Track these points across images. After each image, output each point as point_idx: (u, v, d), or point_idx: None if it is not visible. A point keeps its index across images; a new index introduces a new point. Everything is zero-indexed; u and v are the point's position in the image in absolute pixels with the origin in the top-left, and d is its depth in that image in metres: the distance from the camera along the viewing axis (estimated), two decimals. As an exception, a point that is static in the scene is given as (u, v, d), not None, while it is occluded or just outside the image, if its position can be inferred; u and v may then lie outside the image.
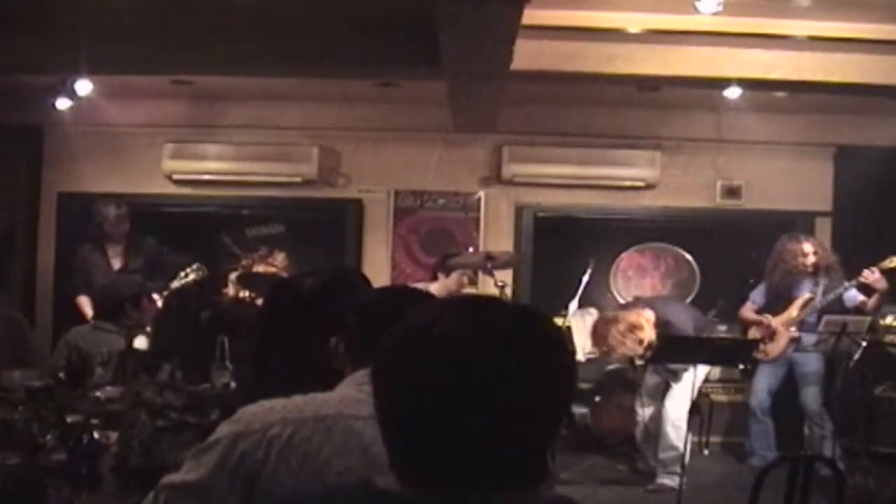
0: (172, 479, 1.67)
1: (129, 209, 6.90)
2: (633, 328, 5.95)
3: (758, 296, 6.72)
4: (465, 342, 1.19)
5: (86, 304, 6.26)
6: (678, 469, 5.72)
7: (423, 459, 1.20)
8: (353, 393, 1.73)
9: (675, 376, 6.11)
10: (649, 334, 5.95)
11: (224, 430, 1.68)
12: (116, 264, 6.78)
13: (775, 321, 6.46)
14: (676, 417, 6.01)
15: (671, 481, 5.86)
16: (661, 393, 6.24)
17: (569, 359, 1.29)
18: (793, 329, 6.41)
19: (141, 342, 4.17)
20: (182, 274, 6.24)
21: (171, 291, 6.12)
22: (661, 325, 5.97)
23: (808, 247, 6.45)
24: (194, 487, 1.63)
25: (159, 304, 5.88)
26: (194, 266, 6.29)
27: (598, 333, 6.06)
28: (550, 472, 1.28)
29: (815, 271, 6.43)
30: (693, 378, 5.88)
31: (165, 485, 1.68)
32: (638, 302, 6.51)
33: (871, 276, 6.06)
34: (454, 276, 6.44)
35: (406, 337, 1.25)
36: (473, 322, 1.22)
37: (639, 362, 6.31)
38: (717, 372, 7.22)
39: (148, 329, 4.54)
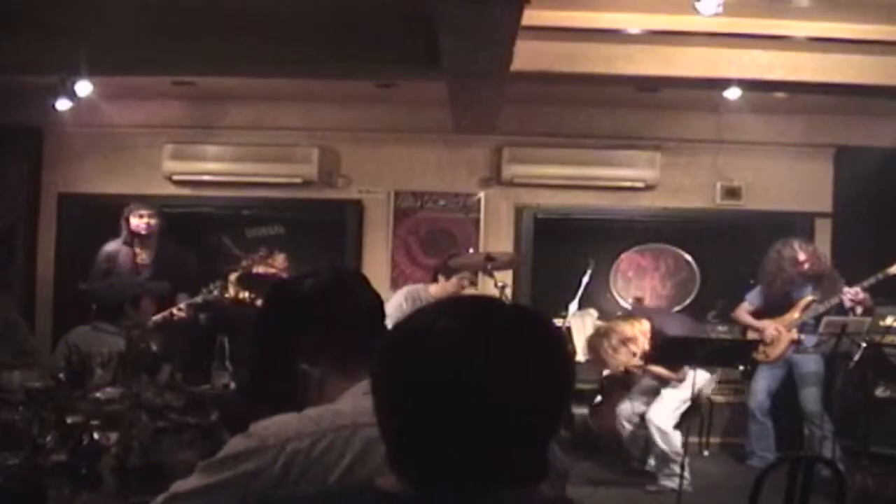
0: (181, 491, 1.66)
1: (157, 211, 6.96)
2: (626, 340, 6.06)
3: (754, 297, 6.72)
4: (465, 342, 1.19)
5: None
6: (676, 469, 5.73)
7: (422, 459, 1.20)
8: (363, 402, 1.72)
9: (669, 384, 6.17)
10: (643, 345, 6.05)
11: (238, 444, 1.66)
12: (143, 266, 6.84)
13: (773, 326, 6.46)
14: (661, 422, 6.02)
15: (671, 483, 5.86)
16: (652, 393, 6.28)
17: (568, 359, 1.29)
18: (793, 331, 6.41)
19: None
20: (205, 290, 6.43)
21: (192, 307, 6.28)
22: (656, 336, 6.05)
23: (802, 255, 6.44)
24: (201, 491, 1.63)
25: (182, 314, 6.09)
26: (217, 283, 6.52)
27: (591, 347, 6.16)
28: (565, 468, 1.28)
29: (811, 277, 6.44)
30: (690, 383, 5.92)
31: (174, 495, 1.66)
32: (635, 312, 6.56)
33: (857, 296, 6.09)
34: (454, 280, 6.46)
35: (406, 337, 1.25)
36: (473, 322, 1.22)
37: (637, 362, 6.29)
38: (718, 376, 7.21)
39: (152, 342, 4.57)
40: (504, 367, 1.18)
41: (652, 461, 6.12)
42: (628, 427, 6.35)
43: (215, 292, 6.42)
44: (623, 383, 6.73)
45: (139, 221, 6.82)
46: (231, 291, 7.19)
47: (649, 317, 6.30)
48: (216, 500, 1.62)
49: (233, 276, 7.20)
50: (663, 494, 5.82)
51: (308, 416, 1.70)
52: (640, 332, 6.08)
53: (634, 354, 6.05)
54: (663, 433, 5.98)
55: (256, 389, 2.34)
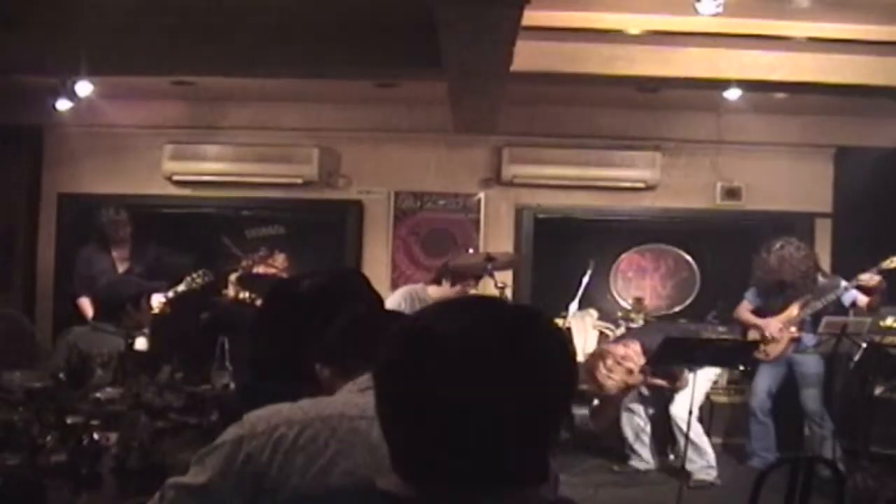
0: (178, 481, 1.68)
1: (129, 213, 6.90)
2: (621, 359, 6.09)
3: (752, 296, 6.72)
4: (468, 342, 1.19)
5: (87, 306, 6.27)
6: (711, 463, 5.96)
7: (424, 459, 1.20)
8: (355, 397, 1.74)
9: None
10: (639, 362, 6.09)
11: (229, 433, 1.70)
12: (121, 267, 6.80)
13: (773, 324, 6.46)
14: (681, 419, 6.08)
15: (708, 476, 6.00)
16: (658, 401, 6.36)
17: (570, 360, 1.29)
18: (793, 329, 6.41)
19: (141, 343, 4.17)
20: (189, 279, 6.30)
21: (177, 295, 6.18)
22: (648, 352, 6.10)
23: (773, 261, 6.41)
24: (199, 490, 1.64)
25: (161, 304, 5.95)
26: (201, 271, 6.35)
27: (587, 370, 6.18)
28: (554, 472, 1.28)
29: (803, 277, 6.42)
30: (702, 378, 5.98)
31: (171, 485, 1.68)
32: (622, 337, 6.72)
33: (871, 280, 6.06)
34: (458, 287, 6.43)
35: (409, 337, 1.25)
36: (476, 323, 1.22)
37: (634, 379, 6.34)
38: (723, 380, 7.21)
39: (146, 330, 4.54)
40: (507, 368, 1.18)
41: (688, 459, 6.13)
42: (635, 420, 6.41)
43: (199, 280, 6.32)
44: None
45: (118, 224, 6.77)
46: (231, 292, 7.18)
47: (636, 337, 6.38)
48: (212, 490, 1.64)
49: (233, 277, 7.19)
50: (663, 493, 5.82)
51: (298, 406, 1.74)
52: (633, 352, 6.12)
53: (631, 372, 6.09)
54: (682, 427, 6.04)
55: (256, 388, 2.35)
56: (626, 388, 6.31)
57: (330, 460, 1.65)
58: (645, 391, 6.43)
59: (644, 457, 6.41)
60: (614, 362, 6.09)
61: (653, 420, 6.47)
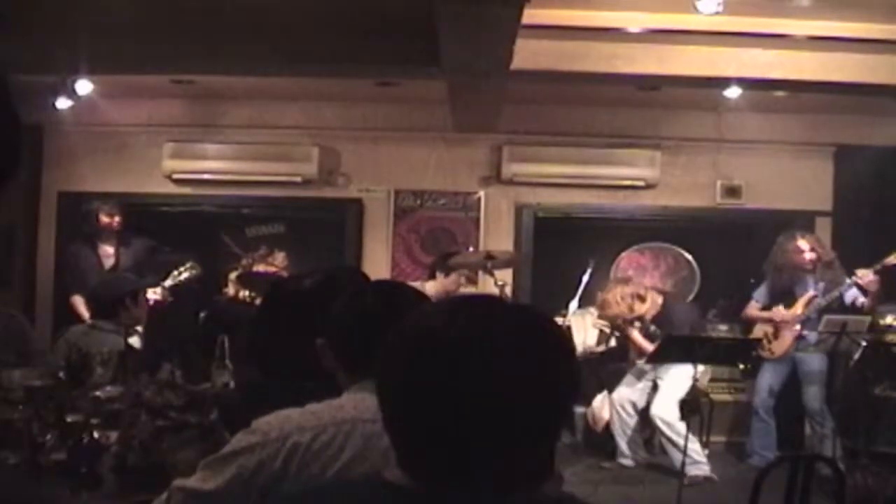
0: (186, 485, 1.67)
1: (121, 207, 6.88)
2: (636, 296, 6.36)
3: (760, 295, 6.73)
4: (476, 344, 1.19)
5: (80, 304, 6.24)
6: (697, 458, 5.96)
7: (428, 458, 1.21)
8: (368, 397, 1.72)
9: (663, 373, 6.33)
10: (645, 308, 6.35)
11: (241, 440, 1.68)
12: (108, 263, 6.77)
13: (783, 314, 6.47)
14: (665, 414, 6.11)
15: (700, 471, 5.99)
16: (647, 380, 6.47)
17: (574, 361, 1.30)
18: (797, 326, 6.42)
19: (135, 343, 4.17)
20: (175, 272, 6.24)
21: (165, 290, 6.13)
22: (664, 311, 6.35)
23: (804, 244, 6.47)
24: (208, 496, 1.63)
25: (153, 301, 5.90)
26: (188, 264, 6.29)
27: (607, 289, 6.53)
28: (557, 471, 1.29)
29: (815, 268, 6.44)
30: (684, 375, 5.99)
31: (178, 488, 1.67)
32: (655, 288, 6.96)
33: (866, 277, 6.07)
34: (452, 276, 6.48)
35: (416, 337, 1.25)
36: (483, 324, 1.22)
37: (636, 327, 6.47)
38: (705, 379, 7.20)
39: (139, 328, 4.53)
40: (516, 370, 1.19)
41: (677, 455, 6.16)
42: (622, 414, 6.43)
43: (185, 274, 6.25)
44: (619, 378, 6.74)
45: (109, 220, 6.72)
46: (231, 290, 7.17)
47: (665, 297, 6.60)
48: (221, 497, 1.63)
49: (233, 275, 7.19)
50: (662, 493, 5.82)
51: (309, 411, 1.72)
52: (653, 296, 6.38)
53: (631, 310, 6.33)
54: (669, 424, 6.07)
55: (258, 387, 2.35)
56: (621, 322, 6.42)
57: (345, 466, 1.65)
58: (644, 367, 6.47)
59: (628, 452, 6.43)
60: (631, 294, 6.37)
61: (640, 415, 6.50)
